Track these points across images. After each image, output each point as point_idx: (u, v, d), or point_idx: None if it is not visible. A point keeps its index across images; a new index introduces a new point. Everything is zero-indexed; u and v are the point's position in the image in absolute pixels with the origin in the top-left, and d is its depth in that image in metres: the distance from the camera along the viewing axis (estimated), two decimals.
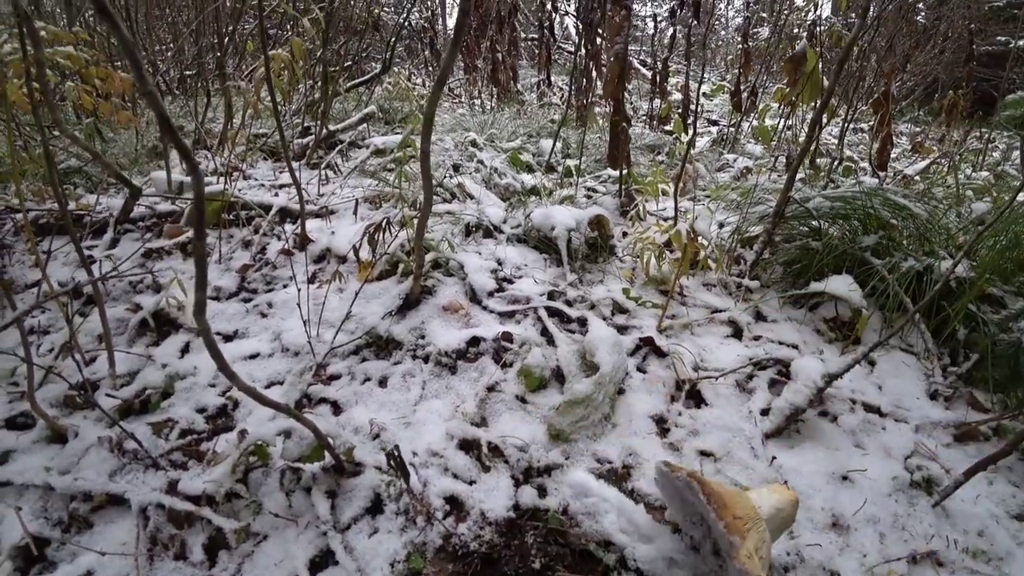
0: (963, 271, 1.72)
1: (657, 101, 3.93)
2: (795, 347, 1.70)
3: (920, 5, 4.22)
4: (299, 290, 1.44)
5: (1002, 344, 1.42)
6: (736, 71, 3.35)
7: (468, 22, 1.12)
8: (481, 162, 2.40)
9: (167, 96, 3.60)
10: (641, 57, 5.68)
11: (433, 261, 1.76)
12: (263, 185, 2.36)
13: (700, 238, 1.90)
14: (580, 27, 3.38)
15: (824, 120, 2.87)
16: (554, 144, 2.56)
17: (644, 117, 4.05)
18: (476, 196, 2.12)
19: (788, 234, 2.10)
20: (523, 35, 5.27)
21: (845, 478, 1.30)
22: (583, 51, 3.23)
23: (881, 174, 2.77)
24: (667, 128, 3.79)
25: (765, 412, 1.43)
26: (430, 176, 1.36)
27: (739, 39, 4.57)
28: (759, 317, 1.84)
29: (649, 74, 4.30)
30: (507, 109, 3.86)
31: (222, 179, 2.30)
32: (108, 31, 2.92)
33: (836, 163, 2.69)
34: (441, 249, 1.77)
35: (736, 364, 1.58)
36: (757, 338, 1.73)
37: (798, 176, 2.85)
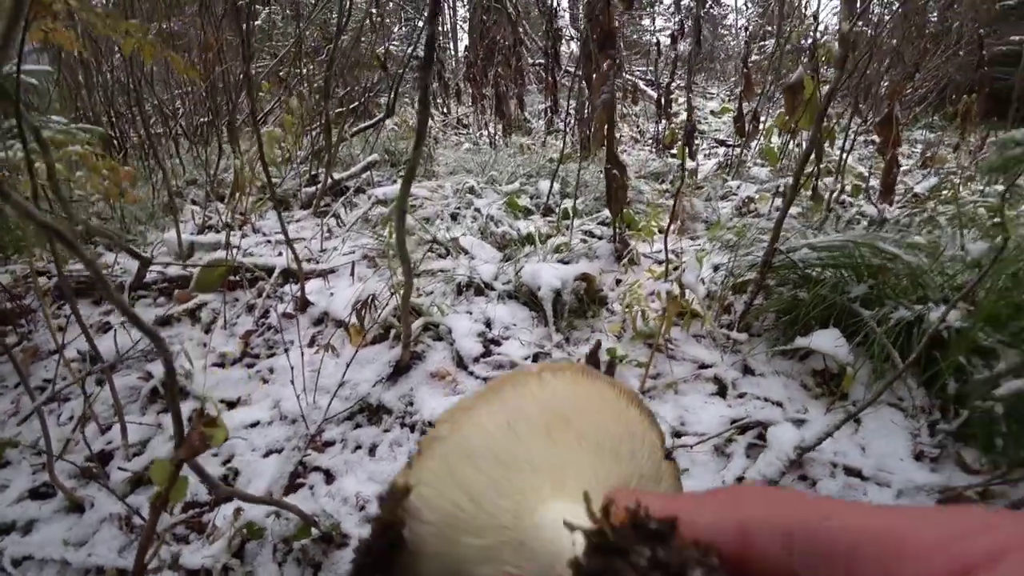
0: (955, 320, 1.70)
1: (664, 123, 3.92)
2: (780, 404, 1.70)
3: (930, 4, 4.11)
4: (292, 368, 1.53)
5: (976, 412, 1.41)
6: (738, 93, 3.34)
7: (430, 83, 1.19)
8: (478, 210, 2.46)
9: (184, 139, 3.77)
10: (648, 76, 5.66)
11: (424, 325, 1.83)
12: (269, 241, 2.47)
13: (688, 292, 1.92)
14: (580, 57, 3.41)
15: (823, 145, 2.84)
16: (551, 185, 2.61)
17: (651, 140, 4.05)
18: (470, 250, 2.18)
19: (782, 277, 2.09)
20: (531, 60, 5.32)
21: None
22: (584, 82, 3.26)
23: (884, 205, 2.72)
24: (673, 152, 3.78)
25: (739, 480, 1.45)
26: (408, 261, 1.43)
27: (745, 53, 4.52)
28: (747, 371, 1.85)
29: (655, 95, 4.29)
30: (510, 145, 3.91)
31: (232, 235, 2.43)
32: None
33: (837, 193, 2.66)
34: (431, 313, 1.84)
35: (718, 426, 1.60)
36: (742, 395, 1.74)
37: (796, 211, 2.84)
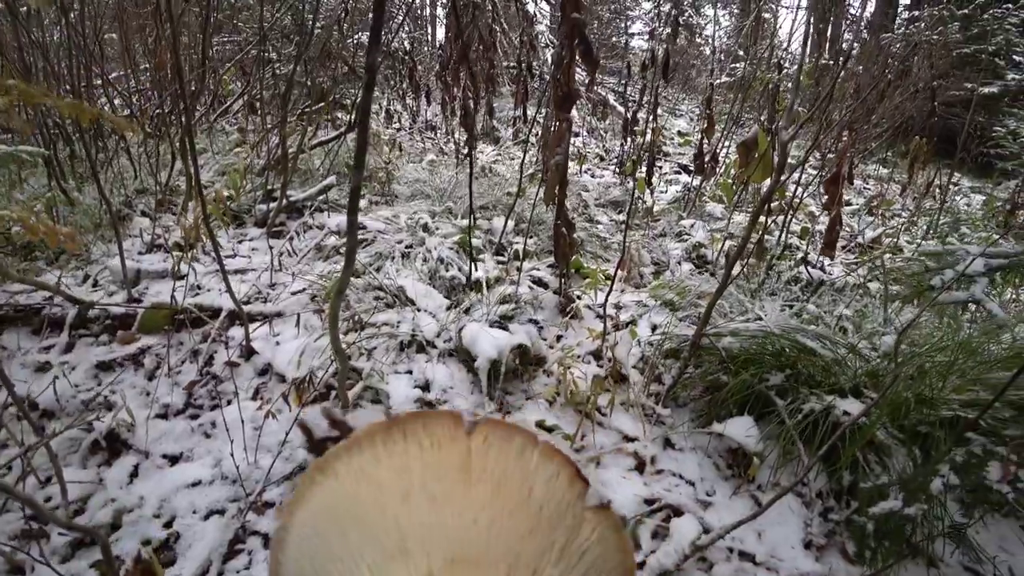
0: (858, 410, 1.84)
1: (629, 143, 3.96)
2: (692, 484, 1.85)
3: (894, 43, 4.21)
4: (234, 426, 1.59)
5: (855, 524, 1.57)
6: (699, 132, 3.40)
7: (363, 168, 1.23)
8: (429, 250, 2.50)
9: (141, 131, 3.65)
10: (619, 88, 5.63)
11: (363, 387, 1.90)
12: (218, 270, 2.46)
13: (620, 366, 2.03)
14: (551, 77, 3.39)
15: (769, 206, 2.93)
16: (505, 224, 2.65)
17: (615, 159, 4.09)
18: (416, 300, 2.23)
19: (710, 352, 2.21)
20: (505, 64, 5.22)
21: None
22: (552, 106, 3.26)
23: (825, 260, 2.86)
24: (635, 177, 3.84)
25: (640, 565, 1.59)
26: (343, 354, 1.48)
27: (719, 72, 4.54)
28: (668, 444, 1.98)
29: (623, 110, 4.30)
30: (475, 162, 3.90)
31: (182, 257, 2.42)
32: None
33: (777, 255, 2.78)
34: (371, 376, 1.90)
35: (632, 505, 1.73)
36: (659, 472, 1.87)
37: (735, 270, 2.95)
